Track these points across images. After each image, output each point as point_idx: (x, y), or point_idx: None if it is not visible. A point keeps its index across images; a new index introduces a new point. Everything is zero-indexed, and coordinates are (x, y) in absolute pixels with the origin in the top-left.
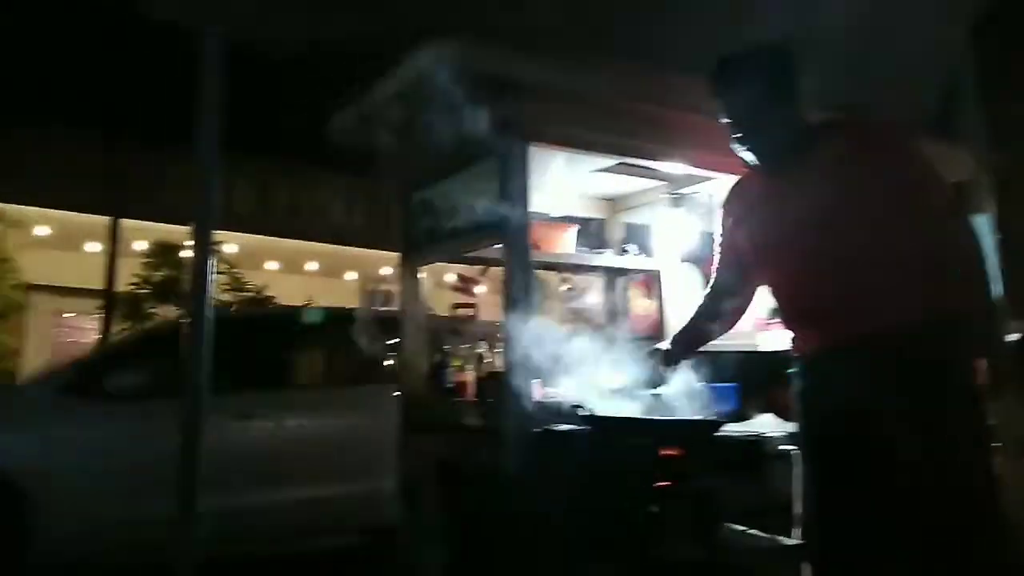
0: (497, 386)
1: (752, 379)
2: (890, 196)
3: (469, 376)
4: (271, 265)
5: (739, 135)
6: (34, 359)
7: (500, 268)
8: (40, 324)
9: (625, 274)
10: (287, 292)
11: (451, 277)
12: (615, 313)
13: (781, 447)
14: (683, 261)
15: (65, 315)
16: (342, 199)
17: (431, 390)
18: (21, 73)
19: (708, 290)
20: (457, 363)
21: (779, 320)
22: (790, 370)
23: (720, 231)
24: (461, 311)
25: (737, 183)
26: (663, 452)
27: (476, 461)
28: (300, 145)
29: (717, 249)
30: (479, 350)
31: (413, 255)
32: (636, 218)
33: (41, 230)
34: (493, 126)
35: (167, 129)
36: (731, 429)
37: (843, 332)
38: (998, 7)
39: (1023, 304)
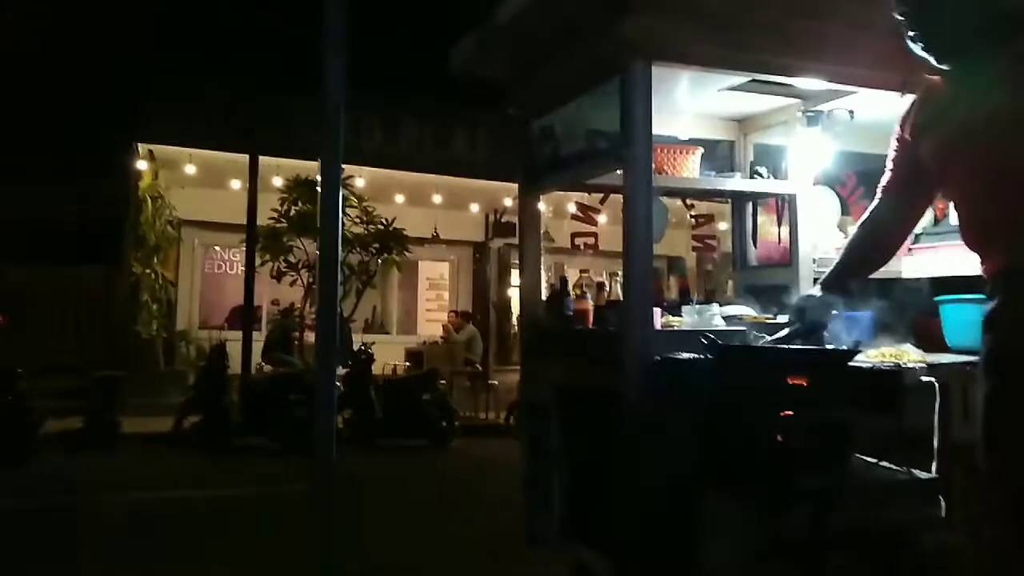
0: (617, 314)
1: (894, 307)
2: None
3: (589, 304)
4: (399, 198)
5: (911, 22)
6: (187, 288)
7: (621, 195)
8: (191, 257)
9: (755, 199)
10: (413, 224)
11: (571, 207)
12: (744, 240)
13: (922, 379)
14: (818, 184)
15: (213, 248)
16: (465, 131)
17: (551, 318)
18: (165, 21)
19: (867, 217)
20: (576, 291)
21: (966, 240)
22: (940, 297)
23: (895, 147)
24: (581, 240)
25: (922, 90)
26: (790, 381)
27: (595, 388)
28: (424, 78)
29: (889, 167)
30: (599, 279)
31: (532, 185)
32: (768, 139)
33: (189, 169)
34: (614, 46)
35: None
36: (866, 359)
37: None
38: None
39: None
